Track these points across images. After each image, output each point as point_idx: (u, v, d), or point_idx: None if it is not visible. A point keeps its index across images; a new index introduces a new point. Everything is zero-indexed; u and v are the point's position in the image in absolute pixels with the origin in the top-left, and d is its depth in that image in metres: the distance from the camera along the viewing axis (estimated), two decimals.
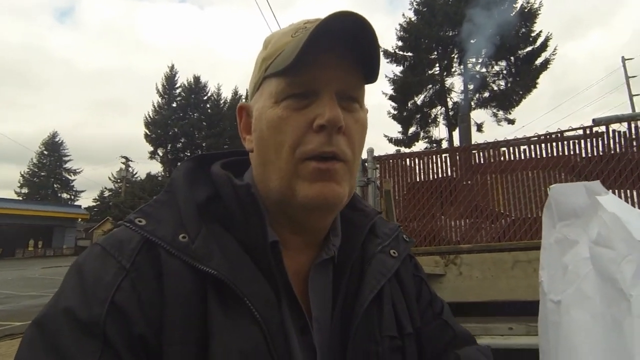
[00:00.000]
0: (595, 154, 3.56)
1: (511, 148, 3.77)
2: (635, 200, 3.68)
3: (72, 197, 44.81)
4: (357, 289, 0.53)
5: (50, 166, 43.33)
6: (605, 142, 3.80)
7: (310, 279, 0.52)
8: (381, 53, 0.51)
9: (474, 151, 3.90)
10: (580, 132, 3.72)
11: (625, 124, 3.70)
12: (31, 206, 30.64)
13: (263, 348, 0.43)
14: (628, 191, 3.61)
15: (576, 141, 3.67)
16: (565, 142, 3.69)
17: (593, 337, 0.35)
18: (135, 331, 0.41)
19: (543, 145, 3.71)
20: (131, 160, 36.15)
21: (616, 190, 3.61)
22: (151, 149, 35.45)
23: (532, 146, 3.72)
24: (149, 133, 34.82)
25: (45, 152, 43.77)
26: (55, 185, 43.70)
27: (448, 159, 3.68)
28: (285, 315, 0.47)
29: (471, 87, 14.91)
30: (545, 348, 0.44)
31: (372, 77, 0.52)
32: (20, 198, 39.03)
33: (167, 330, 0.42)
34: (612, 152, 3.52)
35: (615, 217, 0.34)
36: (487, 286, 2.46)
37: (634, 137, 3.67)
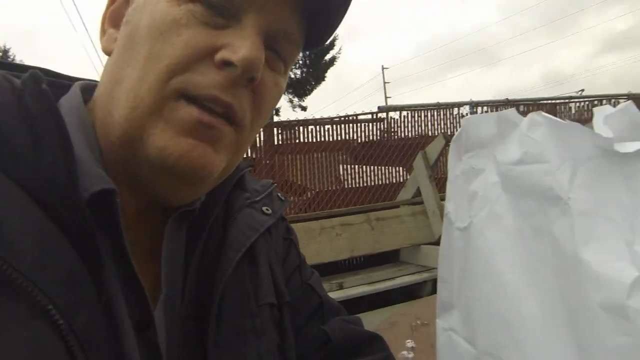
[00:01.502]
0: (366, 139, 4.52)
1: (306, 130, 4.25)
2: (394, 174, 4.81)
3: None
4: (218, 251, 0.41)
5: None
6: (385, 126, 4.83)
7: (164, 243, 0.37)
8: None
9: (277, 129, 4.20)
10: (370, 116, 4.60)
11: (397, 113, 4.81)
12: None
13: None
14: (389, 167, 4.66)
15: (366, 123, 4.55)
16: (358, 124, 4.49)
17: (509, 251, 0.37)
18: None
19: (342, 125, 4.39)
20: None
21: (380, 167, 4.64)
22: None
23: (323, 130, 4.31)
24: None
25: None
26: None
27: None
28: (117, 304, 0.31)
29: None
30: (447, 276, 0.46)
31: (315, 43, 0.40)
32: None
33: None
34: (378, 138, 4.53)
35: (545, 133, 0.36)
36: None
37: (396, 126, 4.77)
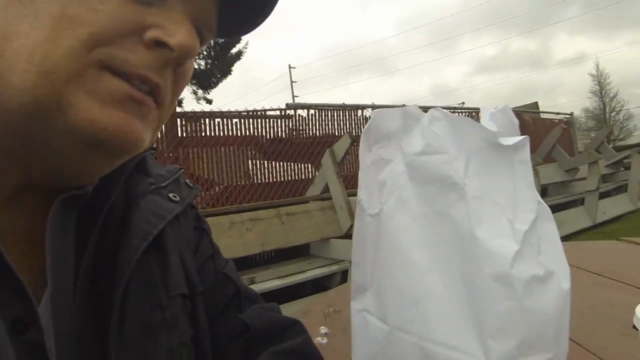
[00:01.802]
0: (274, 136, 4.55)
1: (212, 123, 4.11)
2: (303, 170, 4.94)
3: None
4: (119, 241, 0.38)
5: None
6: (293, 124, 4.90)
7: (48, 230, 0.32)
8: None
9: (181, 120, 3.96)
10: (278, 112, 4.61)
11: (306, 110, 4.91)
12: None
13: None
14: (298, 163, 4.77)
15: (275, 120, 4.54)
16: (267, 120, 4.46)
17: (415, 233, 0.41)
18: None
19: (251, 120, 4.31)
20: None
21: (290, 163, 4.70)
22: None
23: (230, 124, 4.20)
24: None
25: None
26: None
27: None
28: None
29: None
30: (361, 260, 0.48)
31: (231, 33, 0.41)
32: None
33: None
34: (286, 135, 4.61)
35: (443, 127, 0.40)
36: None
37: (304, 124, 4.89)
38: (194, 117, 4.07)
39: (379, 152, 0.48)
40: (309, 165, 4.71)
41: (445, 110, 0.40)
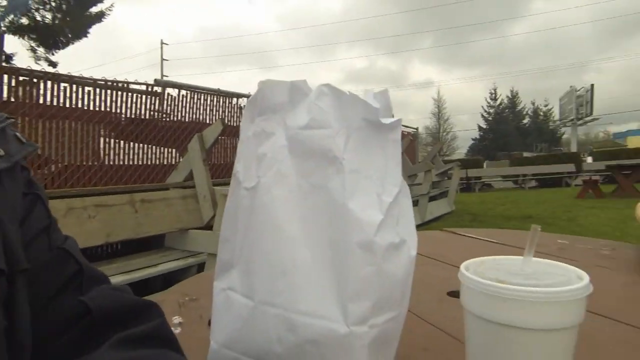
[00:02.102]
0: (137, 114, 4.02)
1: (55, 88, 3.38)
2: (165, 155, 4.52)
3: None
4: None
5: None
6: (159, 104, 4.39)
7: None
8: None
9: (10, 78, 3.13)
10: (144, 87, 4.06)
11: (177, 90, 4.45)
12: None
13: None
14: (161, 147, 4.35)
15: (139, 96, 3.97)
16: (129, 94, 3.87)
17: (290, 206, 0.41)
18: None
19: (109, 92, 3.68)
20: None
21: (152, 146, 4.24)
22: None
23: (81, 92, 3.52)
24: None
25: None
26: None
27: None
28: None
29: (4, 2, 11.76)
30: (230, 236, 0.46)
31: None
32: None
33: None
34: (151, 114, 4.13)
35: (329, 102, 0.40)
36: None
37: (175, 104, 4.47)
38: (30, 77, 3.28)
39: (261, 124, 0.46)
40: (174, 150, 4.34)
41: (334, 86, 0.40)
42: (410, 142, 7.13)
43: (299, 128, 0.42)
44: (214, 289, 0.48)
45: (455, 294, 0.69)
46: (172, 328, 0.68)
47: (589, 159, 16.75)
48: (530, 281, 0.35)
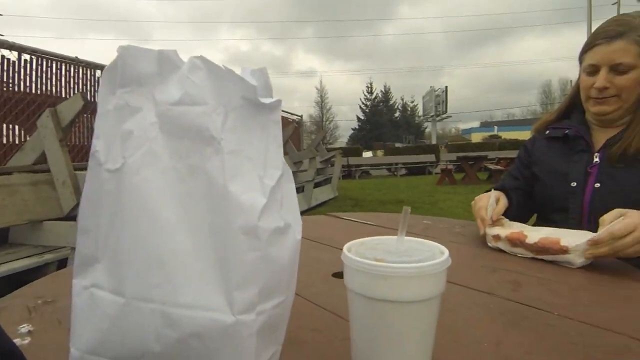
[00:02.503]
0: None
1: None
2: (4, 132, 3.70)
3: None
4: None
5: None
6: None
7: None
8: None
9: None
10: None
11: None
12: None
13: None
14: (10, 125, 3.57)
15: None
16: None
17: (165, 190, 0.37)
18: None
19: None
20: None
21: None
22: None
23: None
24: None
25: None
26: None
27: None
28: None
29: None
30: (92, 225, 0.40)
31: None
32: None
33: None
34: None
35: (204, 77, 0.37)
36: None
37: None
38: None
39: (125, 97, 0.40)
40: (17, 127, 3.60)
41: (208, 59, 0.37)
42: (295, 129, 7.28)
43: (170, 104, 0.38)
44: (73, 288, 0.41)
45: (339, 275, 0.72)
46: (19, 338, 0.57)
47: (445, 151, 19.49)
48: (404, 258, 0.38)
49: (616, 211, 0.75)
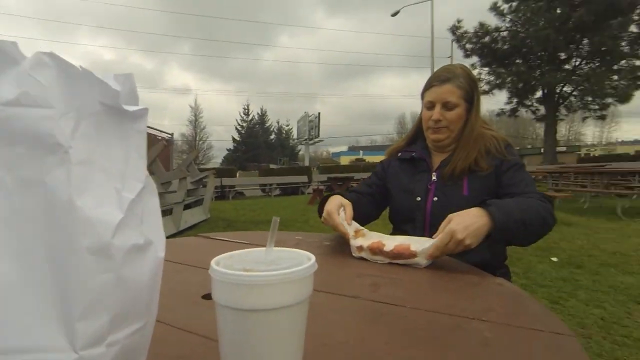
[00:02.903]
0: None
1: None
2: None
3: None
4: None
5: None
6: None
7: None
8: None
9: None
10: None
11: None
12: None
13: None
14: None
15: None
16: None
17: None
18: None
19: None
20: None
21: None
22: None
23: None
24: None
25: None
26: None
27: None
28: None
29: None
30: None
31: None
32: None
33: None
34: None
35: (53, 76, 0.33)
36: None
37: None
38: None
39: None
40: None
41: (60, 57, 0.33)
42: (164, 147, 6.77)
43: (2, 104, 0.32)
44: None
45: (210, 296, 0.68)
46: None
47: (317, 172, 20.65)
48: (271, 267, 0.39)
49: (447, 218, 0.93)
